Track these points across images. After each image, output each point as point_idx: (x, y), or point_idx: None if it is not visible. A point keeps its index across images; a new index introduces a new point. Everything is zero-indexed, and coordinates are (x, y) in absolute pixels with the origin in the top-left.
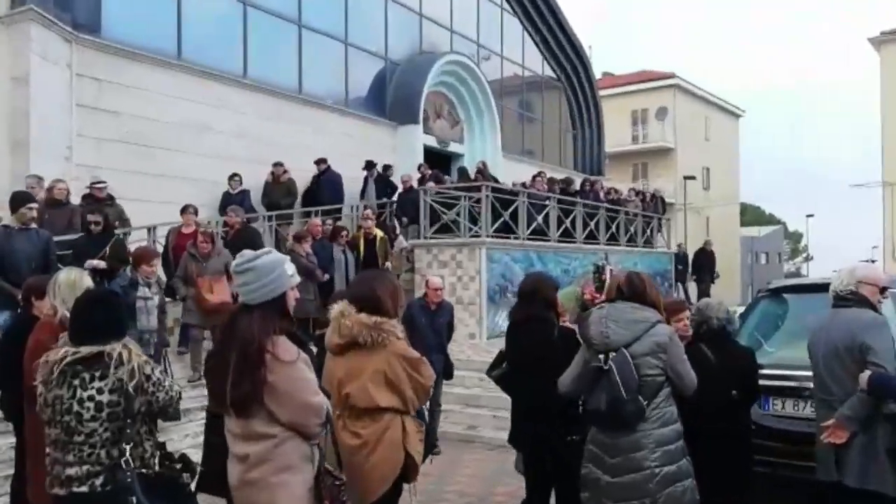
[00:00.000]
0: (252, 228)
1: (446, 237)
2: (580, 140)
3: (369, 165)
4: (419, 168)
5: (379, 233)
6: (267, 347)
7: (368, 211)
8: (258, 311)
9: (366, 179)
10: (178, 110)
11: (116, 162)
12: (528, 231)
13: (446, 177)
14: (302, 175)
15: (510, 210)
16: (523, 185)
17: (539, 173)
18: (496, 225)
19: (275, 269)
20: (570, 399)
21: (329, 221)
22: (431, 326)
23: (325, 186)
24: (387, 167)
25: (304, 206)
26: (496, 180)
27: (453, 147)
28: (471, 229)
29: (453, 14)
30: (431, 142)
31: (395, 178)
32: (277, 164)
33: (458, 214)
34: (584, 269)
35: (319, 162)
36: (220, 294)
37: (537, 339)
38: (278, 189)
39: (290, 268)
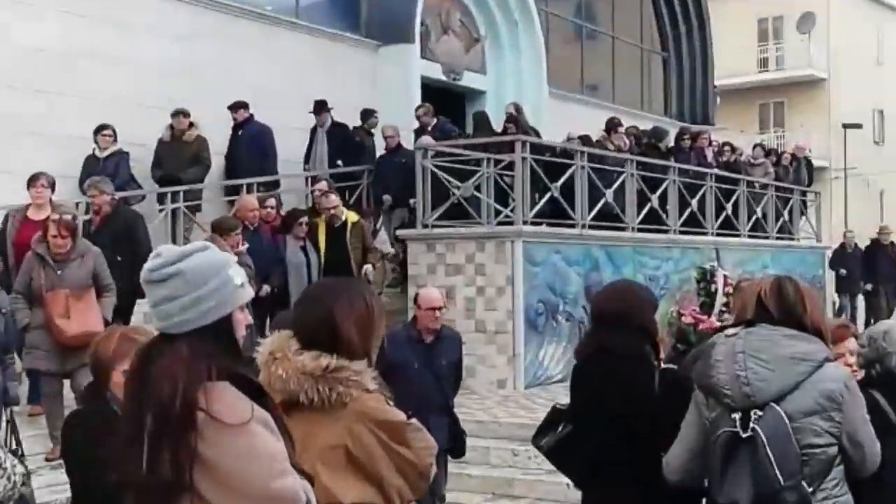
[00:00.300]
0: (131, 212)
1: (458, 225)
2: (675, 68)
3: (319, 108)
4: (417, 113)
5: (350, 216)
6: (198, 402)
7: (323, 183)
8: (185, 344)
9: (313, 132)
10: (33, 28)
11: None
12: (591, 214)
13: (455, 127)
14: (226, 130)
15: (562, 180)
16: (583, 139)
17: (613, 122)
18: (539, 205)
19: (214, 276)
20: (682, 488)
21: (272, 202)
22: (428, 369)
23: (246, 146)
24: (368, 114)
25: (228, 177)
26: (538, 133)
27: (470, 80)
28: (498, 212)
29: None
30: (434, 71)
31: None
32: (178, 114)
33: (477, 189)
34: (681, 277)
35: (236, 108)
36: (82, 318)
37: (626, 390)
38: (178, 152)
39: (238, 273)
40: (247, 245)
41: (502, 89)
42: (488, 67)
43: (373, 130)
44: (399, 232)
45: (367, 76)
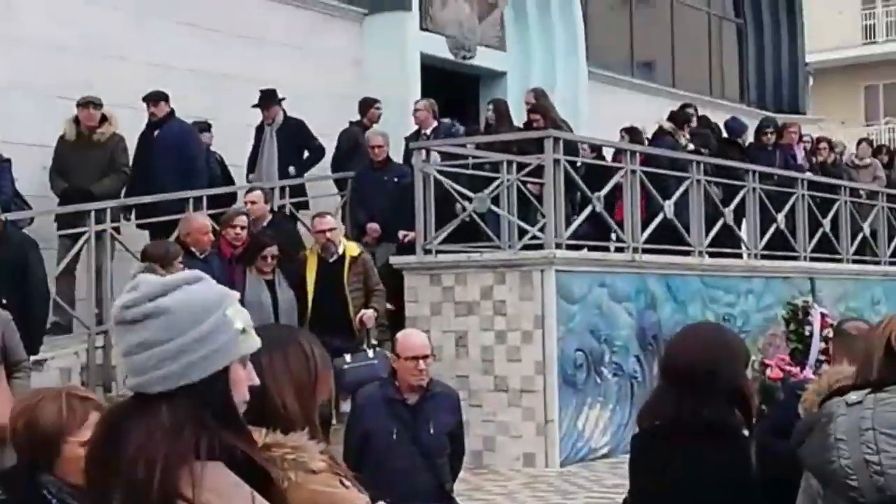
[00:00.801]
0: (23, 238)
1: (471, 250)
2: (754, 40)
3: (266, 100)
4: (415, 108)
5: (350, 248)
6: (181, 490)
7: (256, 193)
8: (166, 409)
9: (259, 131)
10: None
11: None
12: (646, 234)
13: (461, 128)
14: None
15: (606, 189)
16: (630, 133)
17: (685, 112)
18: (577, 222)
19: (206, 317)
20: None
21: (242, 221)
22: (412, 440)
23: (161, 152)
24: (367, 105)
25: (132, 192)
26: (568, 127)
27: (485, 58)
28: (523, 232)
29: None
30: (437, 47)
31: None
32: (86, 104)
33: (495, 202)
34: (764, 317)
35: (153, 100)
36: None
37: (716, 477)
38: (86, 155)
39: (239, 314)
40: None
41: (528, 70)
42: (510, 42)
43: (376, 125)
44: (393, 260)
45: (349, 56)
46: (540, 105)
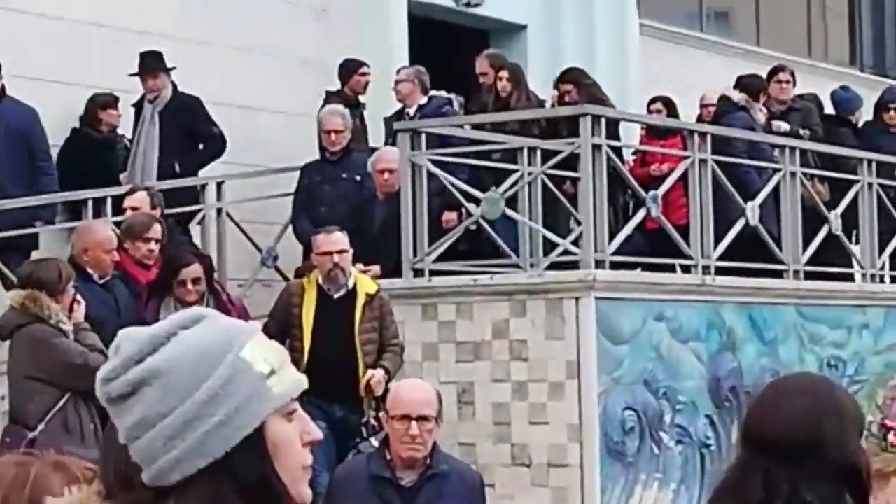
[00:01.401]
0: None
1: (477, 270)
2: None
3: (148, 67)
4: (396, 79)
5: (363, 281)
6: None
7: (140, 196)
8: (192, 499)
9: (138, 110)
10: None
11: None
12: (721, 248)
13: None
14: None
15: (665, 187)
16: (668, 105)
17: (775, 73)
18: (625, 232)
19: (213, 366)
20: None
21: (156, 231)
22: None
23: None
24: (350, 69)
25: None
26: (606, 101)
27: (498, 7)
28: (551, 246)
29: None
30: None
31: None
32: None
33: (510, 205)
34: (885, 361)
35: None
36: None
37: None
38: None
39: (262, 352)
40: (81, 310)
41: (555, 24)
42: None
43: (362, 99)
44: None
45: (308, 4)
46: (573, 73)
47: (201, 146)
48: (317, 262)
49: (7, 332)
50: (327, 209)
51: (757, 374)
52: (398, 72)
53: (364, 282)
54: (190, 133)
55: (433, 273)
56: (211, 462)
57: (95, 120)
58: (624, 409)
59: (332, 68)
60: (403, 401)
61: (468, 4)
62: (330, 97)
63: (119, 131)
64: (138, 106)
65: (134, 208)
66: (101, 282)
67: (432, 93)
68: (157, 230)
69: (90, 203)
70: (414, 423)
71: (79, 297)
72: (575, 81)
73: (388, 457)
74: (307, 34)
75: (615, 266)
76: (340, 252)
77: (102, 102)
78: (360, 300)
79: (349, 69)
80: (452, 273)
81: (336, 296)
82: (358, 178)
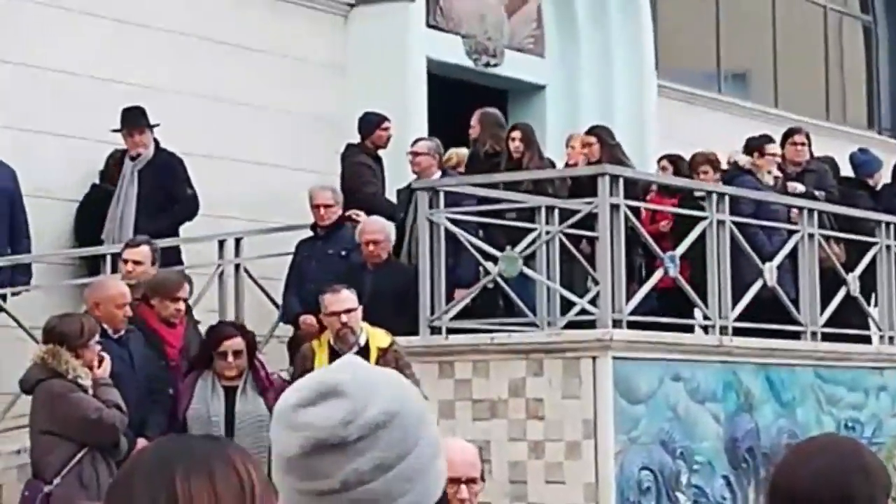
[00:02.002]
0: None
1: (494, 328)
2: (885, 43)
3: (131, 123)
4: (414, 151)
5: (375, 336)
6: None
7: (141, 250)
8: None
9: (106, 170)
10: None
11: None
12: (738, 309)
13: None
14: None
15: (683, 247)
16: (674, 163)
17: (792, 134)
18: (643, 292)
19: (427, 410)
20: None
21: (184, 291)
22: None
23: None
24: (371, 123)
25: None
26: (626, 163)
27: (516, 66)
28: (568, 305)
29: None
30: (449, 50)
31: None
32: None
33: (528, 263)
34: None
35: None
36: None
37: None
38: None
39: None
40: (106, 365)
41: (574, 84)
42: (550, 45)
43: (380, 153)
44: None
45: (326, 60)
46: (599, 130)
47: (176, 206)
48: (326, 322)
49: (29, 386)
50: (315, 286)
51: (774, 436)
52: (416, 142)
53: (376, 336)
54: (167, 193)
55: (450, 331)
56: None
57: (116, 175)
58: (640, 468)
59: (349, 126)
60: (453, 463)
61: (487, 64)
62: (350, 149)
63: None
64: (119, 161)
65: (136, 262)
66: (116, 336)
67: (449, 170)
68: (186, 290)
69: (108, 258)
70: (464, 487)
71: (104, 353)
72: (600, 137)
73: None
74: (325, 92)
75: (632, 326)
76: (348, 311)
77: (121, 158)
78: (373, 355)
79: (372, 123)
80: (469, 331)
81: (346, 354)
82: (344, 252)
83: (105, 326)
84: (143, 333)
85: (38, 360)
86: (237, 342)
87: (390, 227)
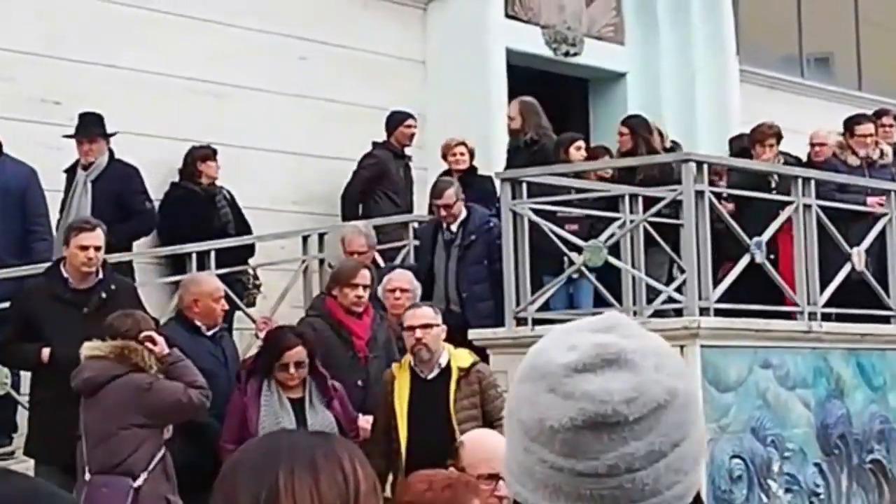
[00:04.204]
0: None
1: (579, 317)
2: None
3: (86, 130)
4: (438, 193)
5: (457, 356)
6: None
7: (99, 233)
8: None
9: (71, 176)
10: None
11: None
12: (827, 294)
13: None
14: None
15: (768, 233)
16: (812, 150)
17: (880, 116)
18: (730, 279)
19: (696, 413)
20: None
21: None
22: None
23: None
24: (398, 121)
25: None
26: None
27: (596, 54)
28: (653, 293)
29: None
30: (530, 41)
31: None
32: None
33: (613, 252)
34: None
35: None
36: None
37: None
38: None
39: None
40: (162, 342)
41: (654, 71)
42: (630, 33)
43: (408, 152)
44: (474, 334)
45: (408, 55)
46: (634, 120)
47: (133, 220)
48: (404, 337)
49: (99, 384)
50: None
51: (866, 422)
52: (439, 182)
53: (458, 356)
54: (122, 205)
55: (535, 322)
56: (693, 499)
57: (195, 172)
58: (731, 457)
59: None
60: (492, 458)
61: (567, 54)
62: (376, 147)
63: (217, 183)
64: (72, 170)
65: (97, 247)
66: (210, 333)
67: (471, 205)
68: (364, 276)
69: (194, 256)
70: (502, 482)
71: (153, 334)
72: (632, 129)
73: None
74: (405, 86)
75: (720, 313)
76: (424, 327)
77: (201, 155)
78: (454, 377)
79: (396, 121)
80: (554, 321)
81: (429, 376)
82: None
83: (199, 323)
84: (331, 326)
85: (114, 354)
86: (299, 352)
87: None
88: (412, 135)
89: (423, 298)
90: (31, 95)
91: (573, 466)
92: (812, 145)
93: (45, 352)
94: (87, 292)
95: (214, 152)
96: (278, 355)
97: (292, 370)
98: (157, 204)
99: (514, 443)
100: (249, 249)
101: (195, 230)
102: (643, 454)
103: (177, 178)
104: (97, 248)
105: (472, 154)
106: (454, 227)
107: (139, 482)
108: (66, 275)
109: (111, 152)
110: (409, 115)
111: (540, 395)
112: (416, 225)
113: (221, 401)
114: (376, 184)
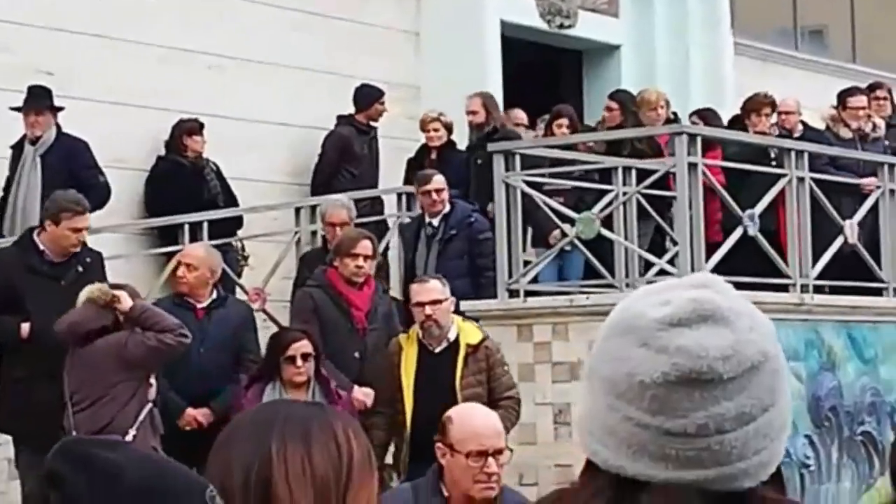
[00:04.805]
0: None
1: (572, 290)
2: None
3: (34, 102)
4: (437, 189)
5: (466, 331)
6: None
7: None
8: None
9: (18, 151)
10: None
11: None
12: (819, 267)
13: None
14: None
15: (761, 205)
16: (704, 118)
17: (874, 90)
18: (722, 251)
19: (785, 379)
20: None
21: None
22: None
23: None
24: (372, 97)
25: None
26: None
27: (590, 27)
28: (647, 266)
29: None
30: (524, 13)
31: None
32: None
33: (606, 224)
34: None
35: None
36: None
37: None
38: None
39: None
40: (125, 297)
41: (649, 43)
42: (623, 5)
43: (374, 124)
44: (466, 306)
45: (400, 27)
46: (622, 95)
47: (88, 195)
48: (414, 314)
49: (84, 332)
50: None
51: (857, 394)
52: (430, 179)
53: (467, 331)
54: (75, 180)
55: (528, 294)
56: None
57: (181, 146)
58: None
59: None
60: (481, 434)
61: (561, 26)
62: (341, 120)
63: (204, 156)
64: (18, 147)
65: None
66: (201, 306)
67: (456, 200)
68: (365, 246)
69: (186, 228)
70: (491, 460)
71: (117, 293)
72: (621, 103)
73: (446, 494)
74: (400, 58)
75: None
76: (434, 303)
77: (187, 129)
78: (462, 352)
79: (369, 97)
80: (547, 293)
81: (437, 350)
82: None
83: (191, 300)
84: (330, 297)
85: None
86: (305, 344)
87: None
88: (382, 112)
89: (403, 295)
90: (25, 66)
91: (661, 424)
92: (779, 114)
93: (25, 327)
94: (64, 265)
95: (201, 126)
96: (284, 348)
97: (299, 363)
98: (143, 177)
99: (596, 401)
100: (237, 222)
101: (185, 203)
102: (734, 415)
103: (163, 152)
104: (85, 230)
105: (448, 128)
106: (436, 222)
107: (129, 437)
108: (42, 247)
109: (58, 126)
110: (382, 93)
111: (630, 350)
112: (389, 198)
113: (192, 375)
114: (341, 162)
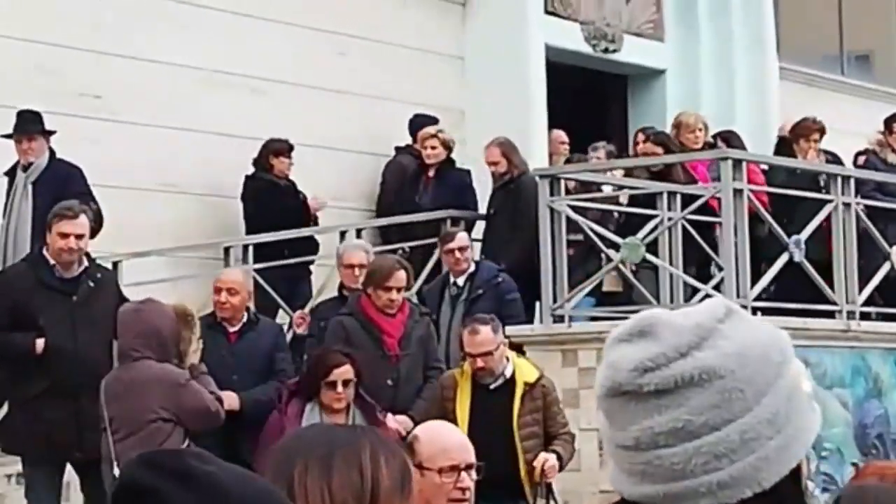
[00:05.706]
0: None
1: (615, 315)
2: None
3: (25, 128)
4: (460, 247)
5: (522, 368)
6: None
7: (83, 221)
8: None
9: (12, 177)
10: None
11: None
12: (866, 293)
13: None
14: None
15: (808, 230)
16: (726, 140)
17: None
18: (768, 276)
19: (774, 376)
20: None
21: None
22: None
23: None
24: (422, 124)
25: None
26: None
27: (635, 51)
28: (692, 292)
29: None
30: (569, 37)
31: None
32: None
33: (651, 250)
34: None
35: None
36: None
37: None
38: None
39: (800, 367)
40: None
41: (694, 68)
42: (669, 30)
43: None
44: (511, 331)
45: (445, 52)
46: (663, 137)
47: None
48: (467, 353)
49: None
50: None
51: None
52: (453, 237)
53: (524, 369)
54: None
55: (572, 319)
56: (757, 493)
57: (267, 165)
58: None
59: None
60: (452, 449)
61: (606, 50)
62: (400, 152)
63: (291, 177)
64: (11, 172)
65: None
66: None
67: (481, 261)
68: (399, 278)
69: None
70: (464, 474)
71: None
72: (664, 145)
73: None
74: (445, 82)
75: (758, 311)
76: (485, 355)
77: (275, 149)
78: (519, 390)
79: (420, 124)
80: (592, 318)
81: (491, 387)
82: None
83: (226, 324)
84: (361, 324)
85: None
86: (347, 370)
87: None
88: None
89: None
90: (73, 90)
91: (612, 437)
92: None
93: (40, 343)
94: (75, 281)
95: (290, 148)
96: (326, 373)
97: (340, 388)
98: (189, 199)
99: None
100: (315, 243)
101: (276, 222)
102: (667, 430)
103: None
104: (78, 237)
105: (447, 146)
106: (461, 281)
107: None
108: (51, 262)
109: (52, 151)
110: (435, 120)
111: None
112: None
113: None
114: (403, 188)
